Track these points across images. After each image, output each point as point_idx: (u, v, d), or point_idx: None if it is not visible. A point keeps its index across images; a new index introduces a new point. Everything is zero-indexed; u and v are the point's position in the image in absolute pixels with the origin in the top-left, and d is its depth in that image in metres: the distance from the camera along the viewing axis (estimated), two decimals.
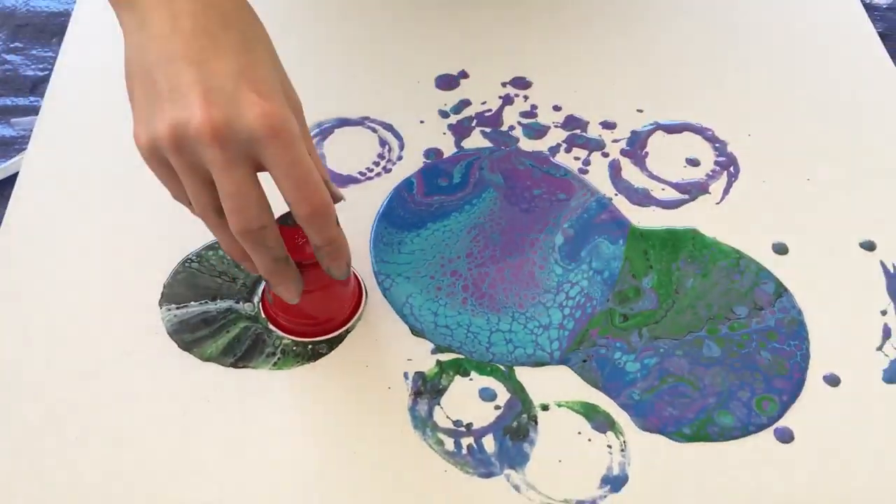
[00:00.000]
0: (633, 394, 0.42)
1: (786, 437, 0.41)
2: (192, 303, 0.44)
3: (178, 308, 0.44)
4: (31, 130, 0.52)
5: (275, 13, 0.57)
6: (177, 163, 0.33)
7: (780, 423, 0.41)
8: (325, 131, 0.52)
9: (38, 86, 0.55)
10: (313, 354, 0.43)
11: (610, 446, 0.40)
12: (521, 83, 0.55)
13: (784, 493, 0.39)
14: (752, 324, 0.44)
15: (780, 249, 0.47)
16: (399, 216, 0.48)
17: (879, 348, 0.43)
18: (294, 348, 0.43)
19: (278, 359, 0.42)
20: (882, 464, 0.40)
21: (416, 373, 0.42)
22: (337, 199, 0.36)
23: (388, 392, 0.41)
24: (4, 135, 0.52)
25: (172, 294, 0.44)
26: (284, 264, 0.36)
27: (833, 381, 0.42)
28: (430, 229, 0.47)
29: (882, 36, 0.59)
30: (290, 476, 0.39)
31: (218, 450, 0.39)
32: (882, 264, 0.47)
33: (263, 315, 0.44)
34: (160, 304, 0.44)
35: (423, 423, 0.41)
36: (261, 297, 0.44)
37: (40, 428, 0.40)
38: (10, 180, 0.48)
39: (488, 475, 0.39)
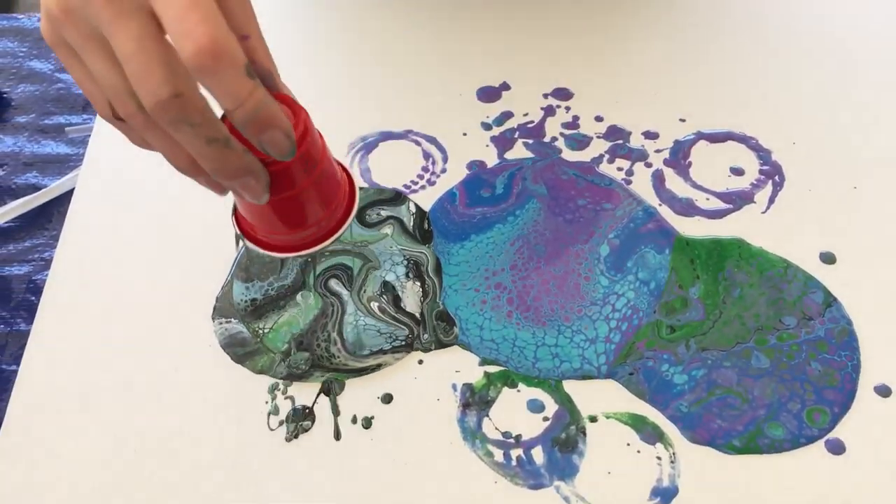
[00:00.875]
0: (682, 406, 0.42)
1: (837, 449, 0.40)
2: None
3: (227, 322, 0.45)
4: (86, 139, 0.54)
5: (318, 30, 0.58)
6: (72, 36, 0.28)
7: (832, 435, 0.41)
8: (370, 145, 0.52)
9: (90, 104, 0.57)
10: (364, 368, 0.43)
11: (659, 458, 0.40)
12: (563, 94, 0.55)
13: None
14: (802, 334, 0.44)
15: (828, 259, 0.47)
16: (444, 227, 0.48)
17: None
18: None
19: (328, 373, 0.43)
20: None
21: (465, 384, 0.43)
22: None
23: (437, 404, 0.42)
24: (59, 152, 0.53)
25: (224, 308, 0.45)
26: (224, 148, 0.28)
27: (885, 391, 0.42)
28: (473, 241, 0.48)
29: None
30: (340, 485, 0.39)
31: (270, 459, 0.40)
32: None
33: (238, 230, 0.36)
34: (213, 318, 0.45)
35: (473, 435, 0.41)
36: (233, 213, 0.36)
37: (96, 439, 0.41)
38: (66, 196, 0.49)
39: (538, 486, 0.39)
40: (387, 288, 0.46)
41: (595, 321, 0.45)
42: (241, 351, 0.44)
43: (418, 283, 0.46)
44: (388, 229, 0.48)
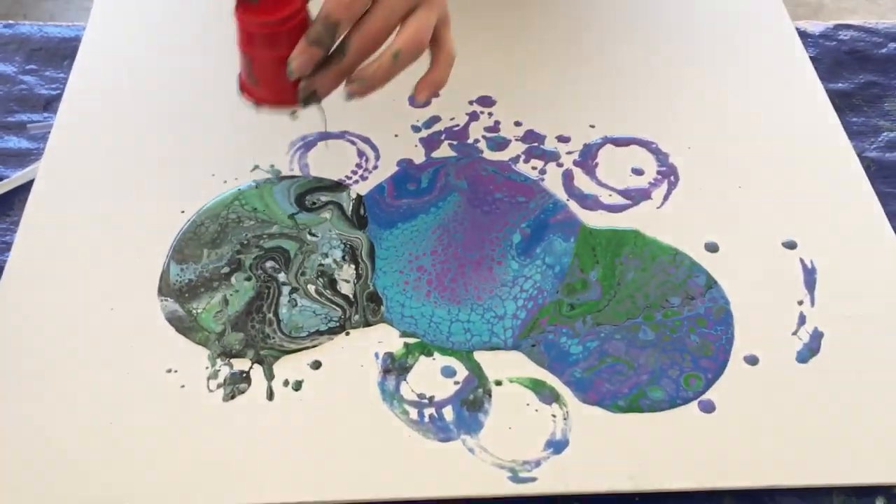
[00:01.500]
0: (576, 372, 0.48)
1: (709, 408, 0.46)
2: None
3: (165, 300, 0.50)
4: (45, 135, 0.58)
5: None
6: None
7: (705, 397, 0.47)
8: (309, 144, 0.58)
9: (50, 103, 0.61)
10: (299, 349, 0.48)
11: (554, 416, 0.46)
12: (487, 101, 0.61)
13: (705, 459, 0.44)
14: (685, 311, 0.50)
15: (712, 248, 0.53)
16: (375, 215, 0.54)
17: (794, 333, 0.49)
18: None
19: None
20: (792, 431, 0.45)
21: (386, 353, 0.48)
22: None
23: (361, 370, 0.47)
24: (21, 146, 0.58)
25: (162, 287, 0.50)
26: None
27: (752, 360, 0.48)
28: (400, 228, 0.53)
29: (814, 60, 0.65)
30: (273, 440, 0.44)
31: (209, 416, 0.45)
32: (801, 261, 0.53)
33: (245, 95, 0.46)
34: (157, 295, 0.50)
35: (391, 396, 0.46)
36: (238, 81, 0.47)
37: (51, 406, 0.45)
38: (27, 186, 0.54)
39: (447, 440, 0.45)
40: (324, 271, 0.51)
41: (504, 300, 0.50)
42: (180, 326, 0.49)
43: (353, 266, 0.51)
44: (327, 214, 0.54)
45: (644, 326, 0.49)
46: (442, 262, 0.52)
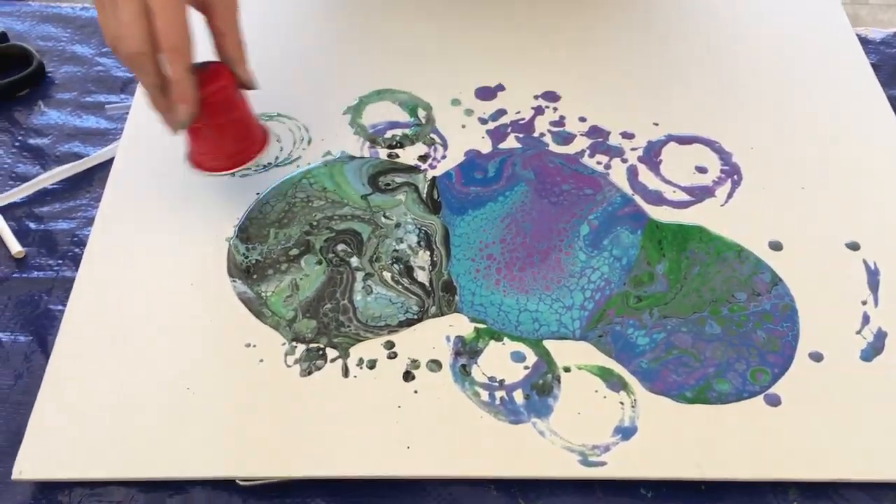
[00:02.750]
0: (643, 363, 0.48)
1: (775, 401, 0.47)
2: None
3: (234, 281, 0.51)
4: (123, 116, 0.60)
5: (336, 36, 0.65)
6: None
7: (771, 391, 0.48)
8: (381, 131, 0.59)
9: (127, 85, 0.63)
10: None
11: (622, 403, 0.47)
12: (552, 96, 0.62)
13: (771, 450, 0.45)
14: (750, 307, 0.51)
15: (776, 246, 0.54)
16: (447, 201, 0.55)
17: (858, 332, 0.50)
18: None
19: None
20: (857, 427, 0.46)
21: (457, 336, 0.49)
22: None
23: (433, 351, 0.48)
24: (100, 126, 0.59)
25: (230, 268, 0.51)
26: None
27: (818, 357, 0.49)
28: (470, 216, 0.54)
29: (874, 66, 0.66)
30: (348, 415, 0.45)
31: (287, 391, 0.46)
32: (864, 262, 0.53)
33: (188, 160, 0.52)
34: (228, 275, 0.51)
35: (463, 378, 0.47)
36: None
37: (132, 374, 0.47)
38: (107, 164, 0.55)
39: (517, 422, 0.46)
40: (399, 257, 0.52)
41: (572, 291, 0.51)
42: (251, 307, 0.50)
43: (428, 253, 0.52)
44: (401, 196, 0.55)
45: (710, 320, 0.50)
46: (511, 250, 0.53)
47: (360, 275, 0.51)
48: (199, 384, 0.47)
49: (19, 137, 0.60)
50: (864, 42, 0.69)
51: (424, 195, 0.55)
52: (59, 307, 0.50)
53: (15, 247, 0.53)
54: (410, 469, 0.44)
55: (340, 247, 0.53)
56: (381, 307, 0.50)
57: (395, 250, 0.52)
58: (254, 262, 0.52)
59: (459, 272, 0.52)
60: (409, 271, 0.52)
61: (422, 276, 0.51)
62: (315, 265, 0.52)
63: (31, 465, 0.44)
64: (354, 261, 0.52)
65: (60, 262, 0.52)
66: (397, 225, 0.54)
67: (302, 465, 0.44)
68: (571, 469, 0.44)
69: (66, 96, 0.62)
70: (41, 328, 0.49)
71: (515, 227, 0.54)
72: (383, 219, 0.54)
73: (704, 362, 0.49)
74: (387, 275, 0.51)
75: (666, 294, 0.51)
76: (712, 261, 0.53)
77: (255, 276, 0.51)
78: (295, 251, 0.52)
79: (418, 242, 0.53)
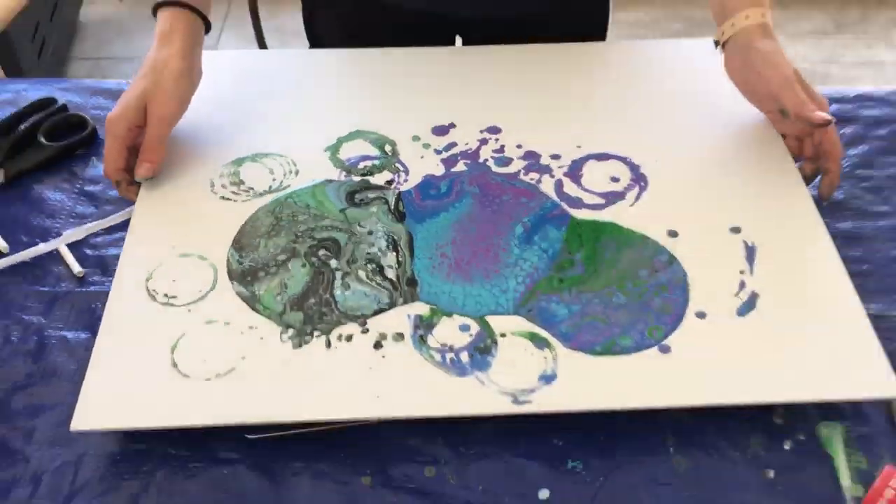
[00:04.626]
0: (562, 328, 0.61)
1: (666, 350, 0.60)
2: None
3: (234, 284, 0.64)
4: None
5: (323, 94, 0.80)
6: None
7: (664, 343, 0.60)
8: (356, 162, 0.73)
9: None
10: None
11: (545, 357, 0.60)
12: (494, 130, 0.76)
13: (662, 385, 0.58)
14: (650, 281, 0.64)
15: (673, 234, 0.67)
16: (410, 212, 0.69)
17: (736, 294, 0.63)
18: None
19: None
20: (732, 367, 0.58)
21: (416, 314, 0.62)
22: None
23: (398, 326, 0.62)
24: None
25: (230, 272, 0.65)
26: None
27: (702, 315, 0.62)
28: (428, 223, 0.68)
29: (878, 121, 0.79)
30: (334, 377, 0.58)
31: (281, 363, 0.59)
32: (744, 242, 0.66)
33: None
34: (228, 278, 0.65)
35: (421, 345, 0.60)
36: None
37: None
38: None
39: (463, 375, 0.59)
40: (371, 258, 0.66)
41: (507, 278, 0.65)
42: (248, 303, 0.63)
43: (394, 254, 0.66)
44: (374, 208, 0.68)
45: (617, 293, 0.63)
46: (460, 249, 0.66)
47: (339, 274, 0.65)
48: (214, 355, 0.60)
49: (77, 185, 0.76)
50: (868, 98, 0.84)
51: (392, 207, 0.69)
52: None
53: (76, 268, 0.68)
54: (380, 413, 0.57)
55: (322, 251, 0.66)
56: (357, 300, 0.63)
57: (368, 253, 0.66)
58: (247, 267, 0.65)
59: (420, 269, 0.65)
60: (380, 270, 0.65)
61: (390, 274, 0.65)
62: (300, 267, 0.65)
63: (85, 418, 0.57)
64: (334, 262, 0.66)
65: (110, 279, 0.66)
66: (370, 232, 0.67)
67: (297, 412, 0.57)
68: (505, 407, 0.57)
69: None
70: (96, 328, 0.62)
71: (464, 230, 0.68)
72: (358, 227, 0.68)
73: (611, 325, 0.61)
74: (361, 273, 0.65)
75: (583, 275, 0.65)
76: (621, 247, 0.66)
77: (248, 279, 0.65)
78: (283, 256, 0.66)
79: (387, 246, 0.66)
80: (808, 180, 0.72)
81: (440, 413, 0.57)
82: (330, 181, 0.72)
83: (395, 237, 0.67)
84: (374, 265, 0.65)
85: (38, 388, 0.62)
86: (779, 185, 0.71)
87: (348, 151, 0.75)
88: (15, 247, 0.71)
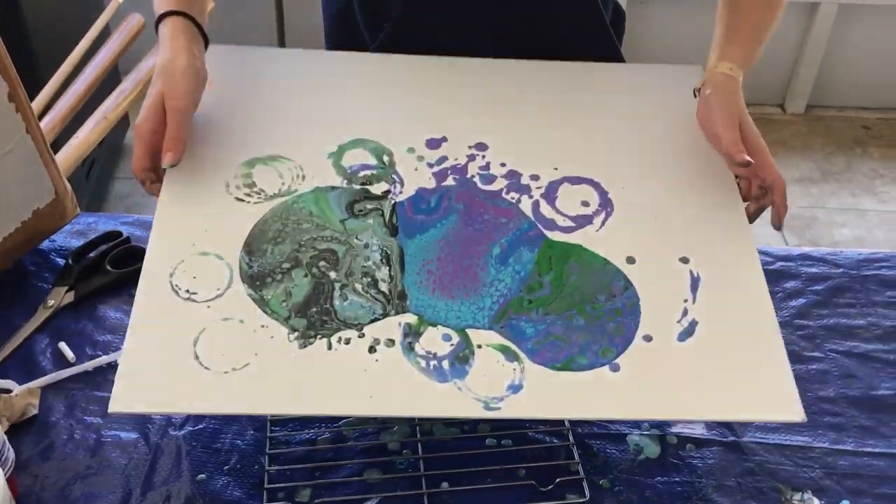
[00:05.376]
0: (528, 344, 0.72)
1: (615, 369, 0.71)
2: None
3: (244, 286, 0.74)
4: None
5: (320, 105, 0.87)
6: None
7: (614, 362, 0.71)
8: (356, 171, 0.82)
9: None
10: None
11: (514, 369, 0.70)
12: (482, 146, 0.85)
13: (612, 401, 0.69)
14: (607, 306, 0.75)
15: (630, 261, 0.78)
16: (402, 225, 0.78)
17: (679, 321, 0.74)
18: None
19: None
20: (673, 383, 0.70)
21: (406, 323, 0.72)
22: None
23: (389, 333, 0.72)
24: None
25: (241, 276, 0.74)
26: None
27: (648, 338, 0.73)
28: (417, 239, 0.77)
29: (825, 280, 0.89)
30: (334, 375, 0.69)
31: (289, 361, 0.70)
32: (690, 272, 0.77)
33: None
34: (240, 280, 0.74)
35: (409, 352, 0.71)
36: None
37: None
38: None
39: (444, 381, 0.69)
40: (367, 272, 0.75)
41: (483, 297, 0.74)
42: (258, 305, 0.72)
43: (387, 268, 0.75)
44: (371, 220, 0.77)
45: (577, 316, 0.74)
46: (444, 266, 0.76)
47: (337, 285, 0.74)
48: (231, 350, 0.70)
49: None
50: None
51: (387, 220, 0.78)
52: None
53: None
54: (372, 411, 0.68)
55: (322, 263, 0.75)
56: (354, 310, 0.73)
57: (364, 266, 0.75)
58: (256, 271, 0.74)
59: (409, 283, 0.75)
60: (374, 283, 0.74)
61: (383, 287, 0.74)
62: (303, 277, 0.75)
63: (122, 402, 0.67)
64: (333, 274, 0.75)
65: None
66: (366, 245, 0.76)
67: (303, 407, 0.68)
68: (477, 412, 0.68)
69: None
70: (145, 429, 0.76)
71: (448, 248, 0.77)
72: (355, 240, 0.77)
73: (571, 344, 0.72)
74: (358, 286, 0.74)
75: (549, 297, 0.75)
76: (585, 271, 0.77)
77: (258, 283, 0.74)
78: (287, 265, 0.75)
79: (381, 259, 0.76)
80: (751, 218, 0.83)
81: (423, 414, 0.68)
82: (333, 188, 0.81)
83: (388, 251, 0.76)
84: (369, 279, 0.75)
85: (94, 478, 0.74)
86: (726, 221, 0.81)
87: (350, 159, 0.83)
88: (80, 358, 0.84)
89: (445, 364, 0.70)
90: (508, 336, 0.72)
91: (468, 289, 0.75)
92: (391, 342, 0.72)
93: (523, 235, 0.78)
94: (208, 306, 0.72)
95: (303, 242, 0.77)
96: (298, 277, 0.75)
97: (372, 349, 0.71)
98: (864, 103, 2.55)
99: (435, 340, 0.72)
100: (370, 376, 0.69)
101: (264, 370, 0.69)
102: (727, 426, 0.79)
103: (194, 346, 0.70)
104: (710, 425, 0.78)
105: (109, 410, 0.66)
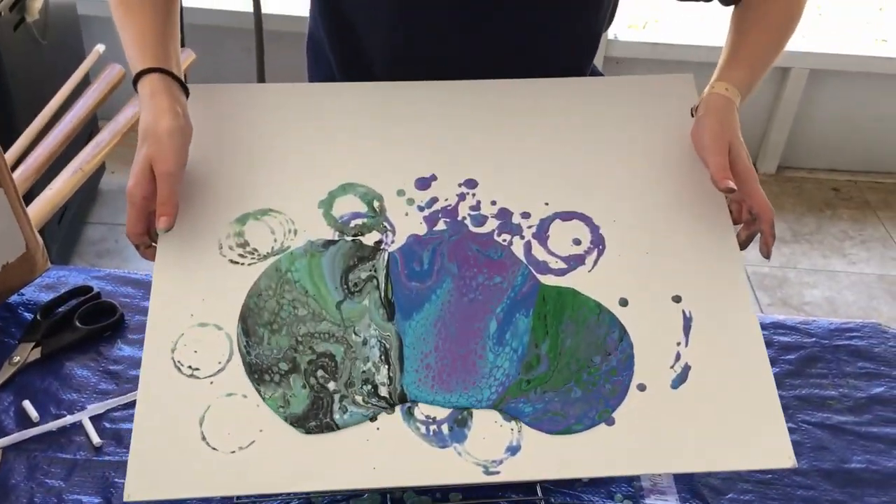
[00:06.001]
0: (527, 420, 0.73)
1: (611, 423, 0.73)
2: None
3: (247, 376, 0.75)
4: None
5: (315, 148, 0.86)
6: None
7: (609, 417, 0.73)
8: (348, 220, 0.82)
9: None
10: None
11: (512, 430, 0.73)
12: (472, 183, 0.84)
13: (609, 457, 0.71)
14: (603, 367, 0.75)
15: (623, 303, 0.78)
16: (398, 301, 0.78)
17: (672, 367, 0.75)
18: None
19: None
20: (668, 434, 0.72)
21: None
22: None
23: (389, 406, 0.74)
24: None
25: (243, 363, 0.76)
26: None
27: (642, 388, 0.75)
28: (414, 320, 0.78)
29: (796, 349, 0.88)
30: (336, 447, 0.71)
31: (290, 441, 0.72)
32: (683, 311, 0.78)
33: None
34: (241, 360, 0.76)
35: (408, 417, 0.73)
36: None
37: None
38: None
39: (444, 447, 0.72)
40: (367, 378, 0.75)
41: (482, 389, 0.75)
42: (258, 393, 0.74)
43: (386, 367, 0.76)
44: (367, 300, 0.78)
45: (575, 388, 0.75)
46: (441, 358, 0.75)
47: (337, 397, 0.74)
48: (236, 428, 0.72)
49: (102, 364, 0.89)
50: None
51: (382, 295, 0.78)
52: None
53: (95, 439, 0.81)
54: (377, 483, 0.71)
55: (320, 373, 0.75)
56: (355, 420, 0.73)
57: (364, 371, 0.75)
58: (254, 361, 0.75)
59: (408, 383, 0.75)
60: (374, 390, 0.74)
61: (383, 391, 0.74)
62: (301, 388, 0.74)
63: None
64: (332, 385, 0.75)
65: (124, 450, 0.77)
66: (364, 342, 0.76)
67: (311, 483, 0.71)
68: (478, 477, 0.71)
69: (136, 337, 0.89)
70: (108, 494, 0.75)
71: (445, 331, 0.76)
72: (353, 336, 0.76)
73: (568, 417, 0.74)
74: (358, 397, 0.74)
75: (547, 373, 0.75)
76: (580, 328, 0.77)
77: (255, 376, 0.75)
78: (284, 366, 0.75)
79: (380, 357, 0.75)
80: (742, 245, 0.82)
81: (427, 483, 0.71)
82: (326, 244, 0.80)
83: (387, 344, 0.76)
84: (369, 386, 0.74)
85: None
86: (718, 255, 0.81)
87: (340, 208, 0.83)
88: (44, 417, 0.84)
89: (445, 428, 0.73)
90: (507, 417, 0.74)
91: (466, 382, 0.75)
92: (391, 409, 0.74)
93: (518, 296, 0.78)
94: (211, 382, 0.74)
95: (300, 339, 0.76)
96: (297, 387, 0.74)
97: (373, 418, 0.73)
98: (833, 165, 2.65)
99: (434, 408, 0.74)
100: (373, 446, 0.72)
101: (269, 448, 0.72)
102: (700, 497, 0.82)
103: (200, 425, 0.73)
104: (682, 497, 0.81)
105: (125, 500, 0.69)
